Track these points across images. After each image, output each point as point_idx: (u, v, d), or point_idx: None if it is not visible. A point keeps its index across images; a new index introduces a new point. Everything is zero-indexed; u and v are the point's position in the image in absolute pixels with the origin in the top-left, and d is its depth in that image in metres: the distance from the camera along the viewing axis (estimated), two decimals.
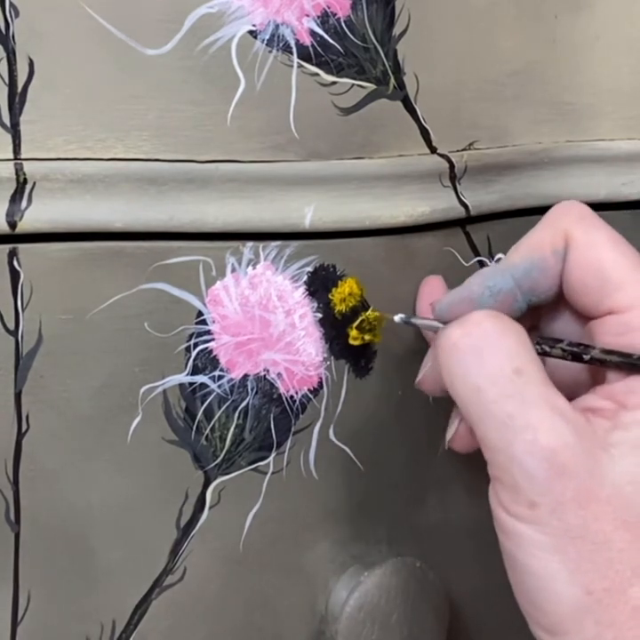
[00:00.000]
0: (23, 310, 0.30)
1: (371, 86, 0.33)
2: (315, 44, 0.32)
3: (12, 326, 0.30)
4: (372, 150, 0.33)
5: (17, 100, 0.29)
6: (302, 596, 0.36)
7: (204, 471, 0.34)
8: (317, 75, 0.32)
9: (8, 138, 0.30)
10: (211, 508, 0.34)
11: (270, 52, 0.31)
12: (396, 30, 0.33)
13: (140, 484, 0.33)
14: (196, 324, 0.32)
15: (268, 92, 0.31)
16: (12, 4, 0.29)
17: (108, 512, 0.33)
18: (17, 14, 0.29)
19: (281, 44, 0.31)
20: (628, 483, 0.26)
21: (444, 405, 0.33)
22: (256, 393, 0.33)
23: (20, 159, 0.30)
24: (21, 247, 0.30)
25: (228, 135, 0.31)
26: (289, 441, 0.34)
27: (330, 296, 0.34)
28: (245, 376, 0.33)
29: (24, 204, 0.30)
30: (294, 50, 0.31)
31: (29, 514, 0.32)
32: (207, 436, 0.33)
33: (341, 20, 0.32)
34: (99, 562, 0.33)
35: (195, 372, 0.33)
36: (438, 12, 0.34)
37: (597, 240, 0.30)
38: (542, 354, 0.30)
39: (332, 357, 0.34)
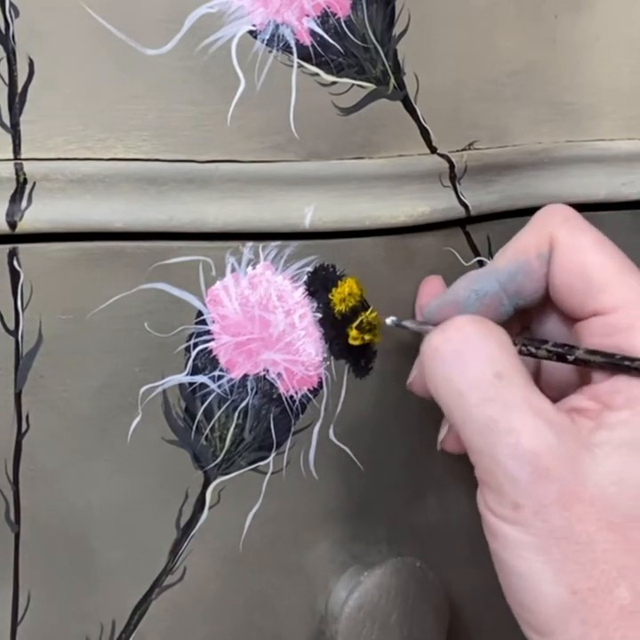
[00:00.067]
0: (23, 310, 0.30)
1: (371, 86, 0.33)
2: (315, 43, 0.32)
3: (12, 326, 0.30)
4: (372, 150, 0.33)
5: (17, 100, 0.29)
6: (302, 596, 0.36)
7: (203, 471, 0.34)
8: (317, 75, 0.32)
9: (8, 138, 0.30)
10: (210, 507, 0.34)
11: (270, 51, 0.31)
12: (396, 30, 0.33)
13: (140, 484, 0.33)
14: (196, 323, 0.32)
15: (267, 92, 0.31)
16: (12, 4, 0.29)
17: (108, 512, 0.33)
18: (17, 14, 0.29)
19: (281, 44, 0.31)
20: (612, 483, 0.26)
21: None
22: (256, 393, 0.33)
23: (19, 159, 0.30)
24: (21, 247, 0.30)
25: (228, 135, 0.31)
26: (289, 441, 0.34)
27: (330, 296, 0.34)
28: (245, 376, 0.33)
29: (24, 203, 0.30)
30: (294, 50, 0.31)
31: (29, 514, 0.32)
32: (207, 435, 0.33)
33: (341, 19, 0.32)
34: (99, 562, 0.33)
35: (194, 371, 0.33)
36: (438, 12, 0.34)
37: (582, 242, 0.30)
38: (528, 355, 0.30)
39: (332, 357, 0.34)
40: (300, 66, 0.32)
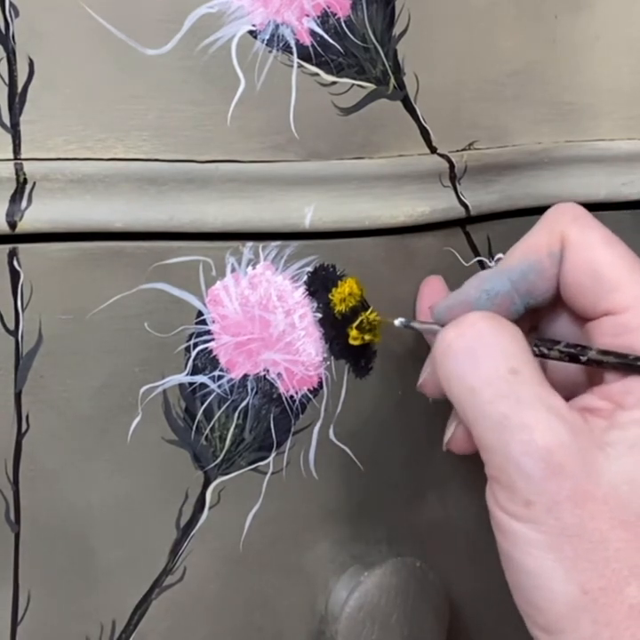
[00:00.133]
0: (23, 310, 0.30)
1: (371, 86, 0.33)
2: (315, 43, 0.32)
3: (12, 326, 0.30)
4: (372, 150, 0.33)
5: (17, 100, 0.29)
6: (302, 595, 0.36)
7: (203, 471, 0.34)
8: (317, 75, 0.32)
9: (8, 138, 0.30)
10: (210, 508, 0.34)
11: (270, 51, 0.31)
12: (396, 30, 0.33)
13: (140, 484, 0.33)
14: (196, 323, 0.32)
15: (268, 92, 0.31)
16: (11, 4, 0.29)
17: (107, 512, 0.33)
18: (17, 14, 0.29)
19: (281, 44, 0.31)
20: (625, 482, 0.26)
21: (444, 405, 0.33)
22: (256, 393, 0.33)
23: (19, 159, 0.30)
24: (21, 247, 0.30)
25: (228, 135, 0.31)
26: (289, 441, 0.34)
27: (330, 296, 0.34)
28: (245, 376, 0.33)
29: (24, 203, 0.30)
30: (294, 50, 0.31)
31: (29, 514, 0.32)
32: (207, 436, 0.33)
33: (341, 19, 0.32)
34: (99, 562, 0.33)
35: (194, 371, 0.33)
36: (438, 12, 0.34)
37: (593, 241, 0.30)
38: (540, 356, 0.30)
39: (332, 357, 0.34)
40: (299, 66, 0.32)
